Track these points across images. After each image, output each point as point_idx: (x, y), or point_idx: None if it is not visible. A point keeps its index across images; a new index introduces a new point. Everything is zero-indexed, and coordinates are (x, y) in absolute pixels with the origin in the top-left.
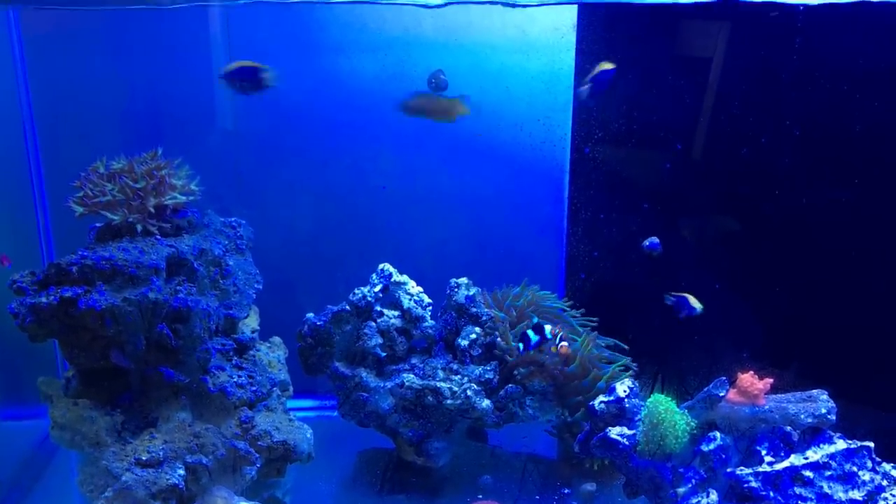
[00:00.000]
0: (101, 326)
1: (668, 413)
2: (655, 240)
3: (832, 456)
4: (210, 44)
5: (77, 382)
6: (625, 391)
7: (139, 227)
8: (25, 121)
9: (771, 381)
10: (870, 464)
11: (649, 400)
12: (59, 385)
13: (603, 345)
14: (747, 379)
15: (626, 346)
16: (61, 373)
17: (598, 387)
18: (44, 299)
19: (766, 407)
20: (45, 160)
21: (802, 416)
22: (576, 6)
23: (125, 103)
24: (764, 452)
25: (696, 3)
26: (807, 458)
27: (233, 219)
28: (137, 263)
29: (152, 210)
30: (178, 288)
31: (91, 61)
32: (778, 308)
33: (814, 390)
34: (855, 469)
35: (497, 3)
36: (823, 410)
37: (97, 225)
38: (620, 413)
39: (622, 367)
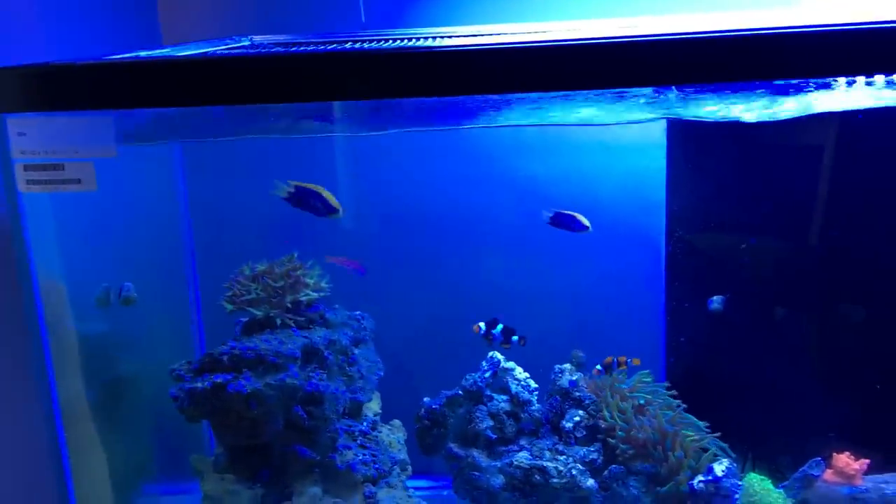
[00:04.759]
0: (247, 408)
1: (765, 492)
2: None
3: None
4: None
5: (224, 459)
6: (723, 471)
7: (278, 321)
8: (185, 235)
9: (868, 461)
10: None
11: (745, 479)
12: (209, 462)
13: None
14: (843, 459)
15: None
16: (208, 450)
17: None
18: (199, 384)
19: (864, 487)
20: (200, 264)
21: None
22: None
23: (267, 214)
24: None
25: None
26: None
27: (357, 312)
28: (277, 352)
29: (289, 305)
30: (311, 374)
31: (233, 181)
32: (871, 388)
33: None
34: None
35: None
36: None
37: (242, 319)
38: (718, 492)
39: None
